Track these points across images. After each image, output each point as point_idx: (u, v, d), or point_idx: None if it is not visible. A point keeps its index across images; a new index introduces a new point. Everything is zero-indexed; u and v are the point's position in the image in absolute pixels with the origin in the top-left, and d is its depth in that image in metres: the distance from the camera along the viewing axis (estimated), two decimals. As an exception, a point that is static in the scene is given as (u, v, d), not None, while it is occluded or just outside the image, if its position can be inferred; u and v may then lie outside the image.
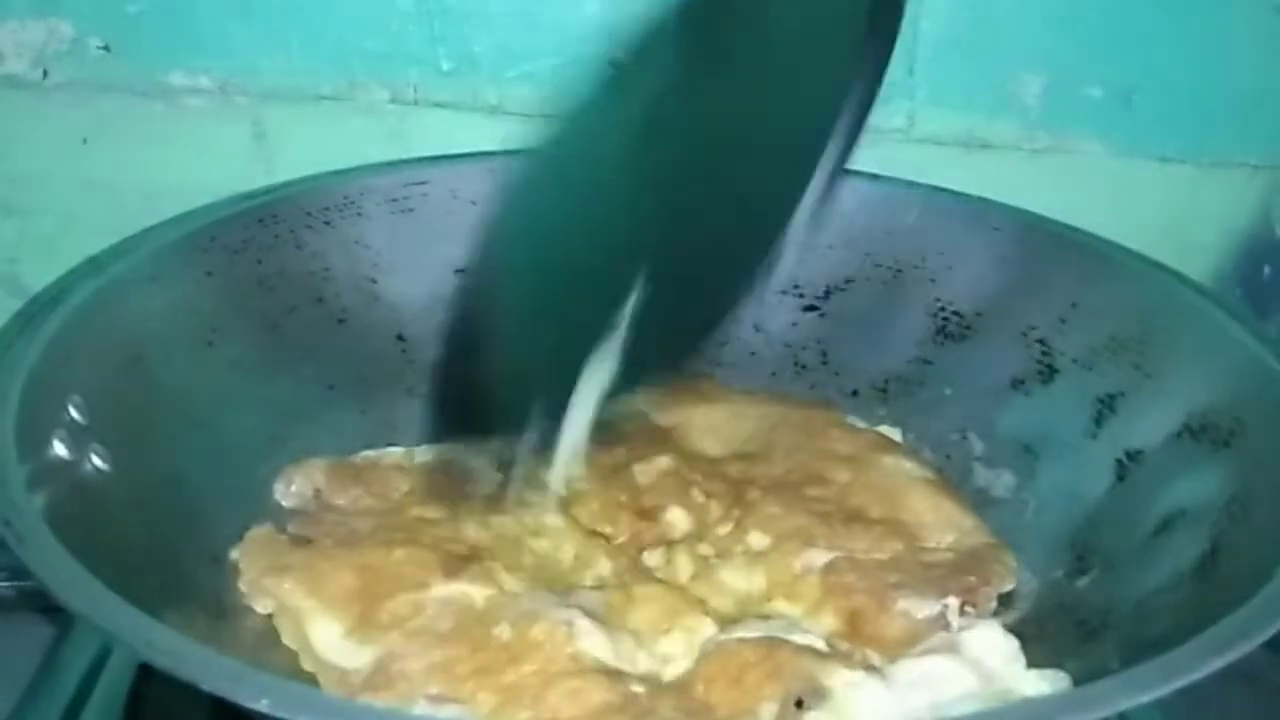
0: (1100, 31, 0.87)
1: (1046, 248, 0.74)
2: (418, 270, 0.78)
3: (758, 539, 0.65)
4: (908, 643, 0.58)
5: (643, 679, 0.54)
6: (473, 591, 0.57)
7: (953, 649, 0.56)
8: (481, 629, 0.55)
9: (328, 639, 0.56)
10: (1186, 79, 0.88)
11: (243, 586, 0.60)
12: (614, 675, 0.53)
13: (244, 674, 0.42)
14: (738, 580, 0.63)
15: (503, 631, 0.55)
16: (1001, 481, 0.71)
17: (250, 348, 0.70)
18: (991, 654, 0.56)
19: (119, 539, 0.54)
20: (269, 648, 0.57)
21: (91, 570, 0.47)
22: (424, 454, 0.71)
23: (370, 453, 0.70)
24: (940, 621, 0.59)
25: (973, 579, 0.61)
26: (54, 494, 0.52)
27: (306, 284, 0.75)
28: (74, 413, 0.58)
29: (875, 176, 0.81)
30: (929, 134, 0.89)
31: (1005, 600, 0.63)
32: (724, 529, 0.66)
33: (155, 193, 0.87)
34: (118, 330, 0.63)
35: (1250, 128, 0.89)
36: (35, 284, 0.64)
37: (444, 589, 0.57)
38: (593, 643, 0.54)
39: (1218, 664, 0.45)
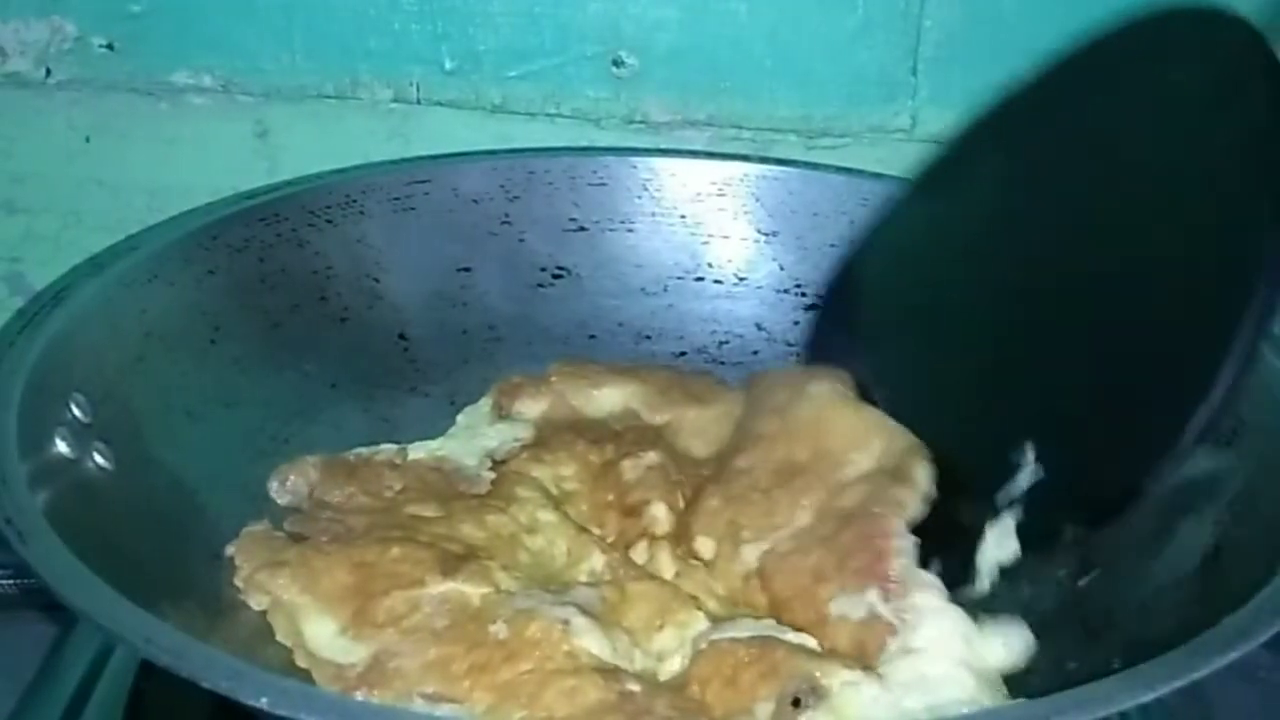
0: (1100, 24, 0.87)
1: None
2: (420, 269, 0.78)
3: (705, 545, 0.64)
4: (864, 650, 0.57)
5: (639, 677, 0.54)
6: (468, 590, 0.57)
7: (913, 650, 0.56)
8: (477, 627, 0.55)
9: (322, 636, 0.56)
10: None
11: (238, 582, 0.59)
12: (610, 674, 0.53)
13: (244, 672, 0.42)
14: (711, 585, 0.63)
15: (499, 630, 0.54)
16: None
17: (252, 346, 0.71)
18: (952, 640, 0.56)
19: (120, 536, 0.54)
20: (264, 644, 0.57)
21: (92, 568, 0.47)
22: (417, 451, 0.70)
23: (363, 449, 0.70)
24: (878, 617, 0.58)
25: (877, 544, 0.60)
26: (56, 492, 0.53)
27: (309, 282, 0.75)
28: (76, 411, 0.58)
29: (876, 175, 0.81)
30: (931, 133, 0.89)
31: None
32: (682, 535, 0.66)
33: (158, 191, 0.88)
34: (120, 329, 0.64)
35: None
36: (39, 282, 0.64)
37: (440, 587, 0.57)
38: (589, 640, 0.54)
39: (1219, 664, 0.45)
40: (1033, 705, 0.44)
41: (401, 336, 0.77)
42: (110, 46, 0.88)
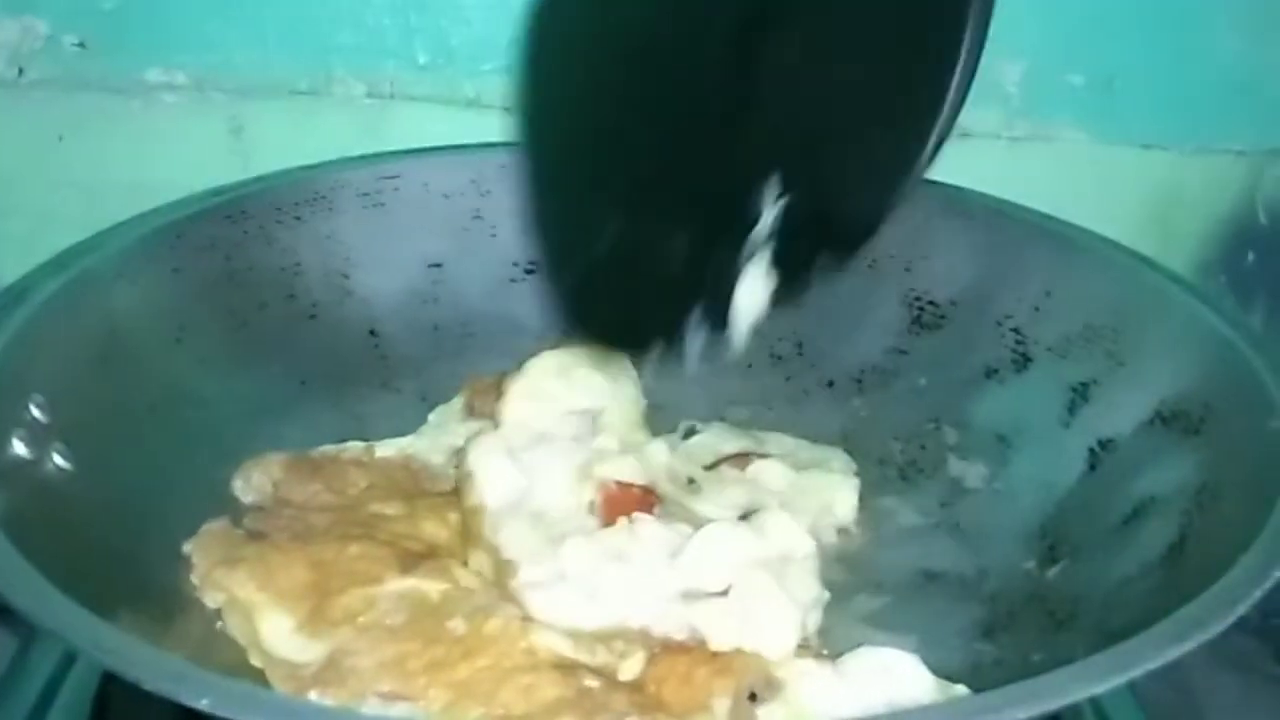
0: (1081, 18, 0.86)
1: (1020, 236, 0.74)
2: (390, 265, 0.78)
3: None
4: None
5: (598, 672, 0.53)
6: (427, 586, 0.57)
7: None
8: (435, 622, 0.55)
9: (278, 634, 0.56)
10: (1168, 65, 0.87)
11: (194, 579, 0.59)
12: (568, 669, 0.52)
13: (187, 673, 0.42)
14: None
15: (457, 625, 0.54)
16: (975, 472, 0.70)
17: (219, 344, 0.70)
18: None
19: (78, 538, 0.54)
20: (219, 643, 0.56)
21: (45, 569, 0.46)
22: (384, 449, 0.70)
23: (329, 447, 0.70)
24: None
25: None
26: (12, 494, 0.52)
27: (277, 279, 0.74)
28: (35, 411, 0.57)
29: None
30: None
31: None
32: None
33: (133, 190, 0.87)
34: (82, 328, 0.63)
35: (1233, 113, 0.89)
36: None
37: (398, 584, 0.56)
38: (548, 636, 0.54)
39: (1173, 655, 0.44)
40: (985, 698, 0.43)
41: (372, 333, 0.77)
42: (82, 45, 0.87)
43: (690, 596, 0.56)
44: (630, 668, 0.55)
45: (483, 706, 0.51)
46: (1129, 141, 0.90)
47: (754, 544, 0.57)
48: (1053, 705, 0.43)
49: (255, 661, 0.55)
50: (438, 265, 0.79)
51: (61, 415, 0.58)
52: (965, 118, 0.86)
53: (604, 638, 0.55)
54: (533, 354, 0.76)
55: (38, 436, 0.56)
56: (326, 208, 0.77)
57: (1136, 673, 0.44)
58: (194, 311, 0.69)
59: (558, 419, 0.68)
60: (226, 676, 0.43)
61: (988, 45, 0.85)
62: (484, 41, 0.87)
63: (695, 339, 0.62)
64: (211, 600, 0.58)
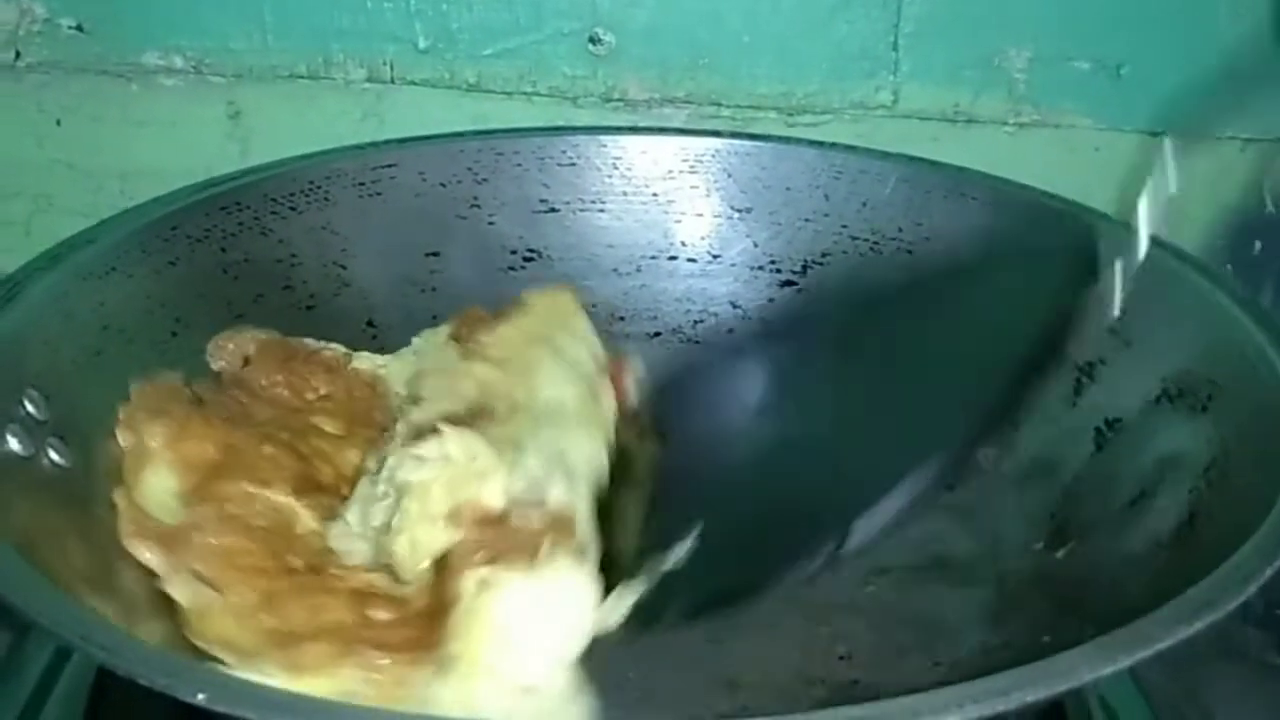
0: (1088, 4, 0.86)
1: (1022, 215, 0.73)
2: (387, 255, 0.77)
3: None
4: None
5: (400, 605, 0.52)
6: (302, 515, 0.57)
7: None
8: (285, 544, 0.55)
9: (158, 490, 0.56)
10: (1175, 51, 0.86)
11: (120, 414, 0.59)
12: (364, 598, 0.52)
13: (182, 668, 0.42)
14: None
15: (295, 561, 0.54)
16: (981, 453, 0.69)
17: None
18: None
19: (73, 534, 0.53)
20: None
21: (39, 565, 0.46)
22: (362, 360, 0.70)
23: (311, 341, 0.70)
24: None
25: None
26: (6, 489, 0.52)
27: (273, 271, 0.74)
28: (30, 407, 0.56)
29: (850, 148, 0.80)
30: (914, 109, 0.88)
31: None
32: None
33: (130, 174, 0.88)
34: (77, 322, 0.62)
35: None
36: (9, 268, 0.63)
37: (279, 498, 0.57)
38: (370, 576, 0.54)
39: (1184, 634, 0.43)
40: (992, 680, 0.42)
41: (369, 324, 0.76)
42: (80, 28, 0.87)
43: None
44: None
45: (272, 616, 0.51)
46: (1135, 128, 0.89)
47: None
48: (1061, 687, 0.42)
49: (117, 500, 0.56)
50: (435, 254, 0.79)
51: (57, 410, 0.57)
52: (972, 104, 0.87)
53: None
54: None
55: (32, 432, 0.56)
56: (322, 198, 0.76)
57: (1146, 653, 0.43)
58: (190, 304, 0.68)
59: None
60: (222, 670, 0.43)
61: (995, 30, 0.86)
62: (485, 26, 0.87)
63: None
64: (122, 439, 0.58)
